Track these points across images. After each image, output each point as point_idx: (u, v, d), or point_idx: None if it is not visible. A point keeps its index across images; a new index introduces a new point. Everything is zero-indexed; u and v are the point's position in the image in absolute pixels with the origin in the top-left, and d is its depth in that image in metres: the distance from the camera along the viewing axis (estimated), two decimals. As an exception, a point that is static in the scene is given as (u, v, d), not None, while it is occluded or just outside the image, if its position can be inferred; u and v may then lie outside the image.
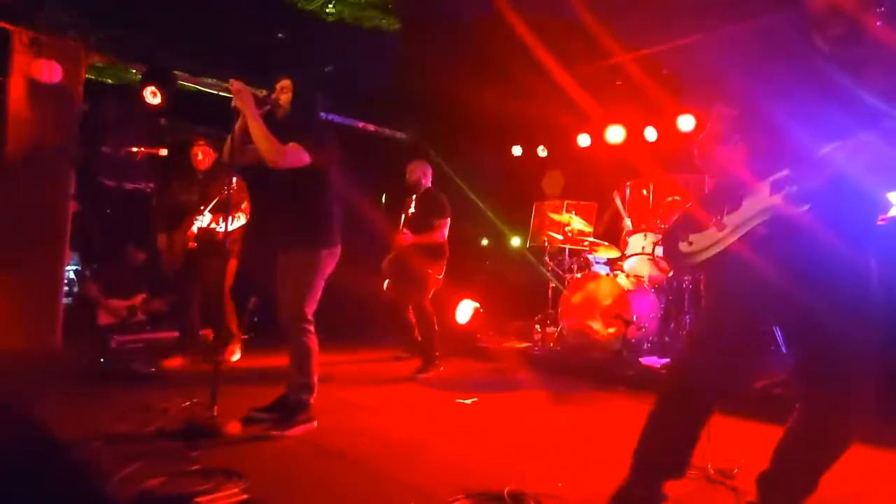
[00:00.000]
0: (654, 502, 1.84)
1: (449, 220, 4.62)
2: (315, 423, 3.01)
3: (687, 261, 1.77)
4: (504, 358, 5.22)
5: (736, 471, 2.45)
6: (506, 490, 2.16)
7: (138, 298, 5.88)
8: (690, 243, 1.75)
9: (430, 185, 4.73)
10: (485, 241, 7.54)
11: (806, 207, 1.56)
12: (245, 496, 2.12)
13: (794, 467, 1.80)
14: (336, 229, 3.19)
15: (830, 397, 1.65)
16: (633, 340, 4.67)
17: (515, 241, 7.24)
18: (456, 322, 5.68)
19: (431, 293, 4.66)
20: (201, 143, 4.47)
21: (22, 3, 4.46)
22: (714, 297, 1.81)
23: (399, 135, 7.67)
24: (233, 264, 4.52)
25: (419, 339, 4.74)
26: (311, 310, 3.07)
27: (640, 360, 4.59)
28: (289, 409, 3.01)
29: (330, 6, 4.93)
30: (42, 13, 4.53)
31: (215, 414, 2.84)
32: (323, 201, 3.11)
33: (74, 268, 6.05)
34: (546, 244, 5.76)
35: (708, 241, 1.71)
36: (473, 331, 5.76)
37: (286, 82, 3.08)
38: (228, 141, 2.98)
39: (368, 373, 4.57)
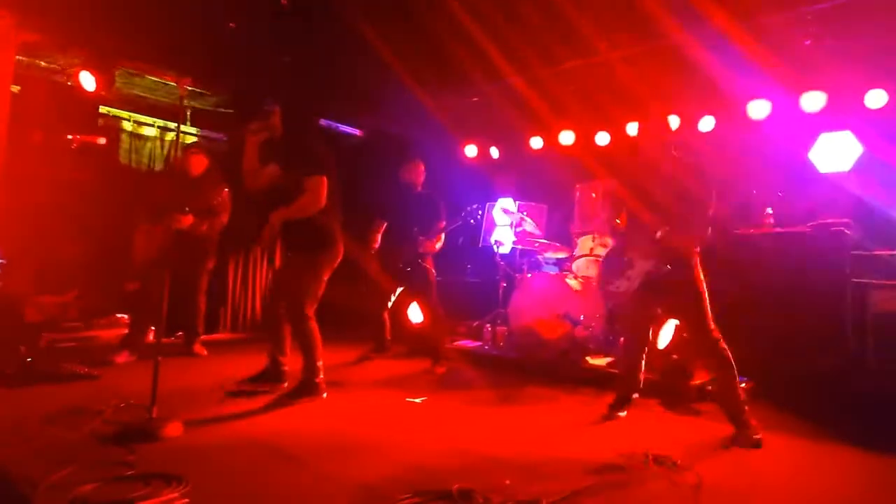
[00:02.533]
0: None
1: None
2: (325, 395, 3.54)
3: (616, 296, 3.44)
4: (455, 357, 5.24)
5: (675, 462, 2.57)
6: (455, 488, 2.17)
7: (71, 295, 5.56)
8: (618, 287, 3.30)
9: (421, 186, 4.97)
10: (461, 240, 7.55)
11: (668, 268, 3.10)
12: (186, 500, 2.04)
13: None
14: (334, 232, 3.54)
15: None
16: (580, 340, 4.78)
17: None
18: (408, 321, 5.65)
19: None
20: (195, 150, 4.78)
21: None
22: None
23: (353, 132, 7.57)
24: (209, 264, 4.84)
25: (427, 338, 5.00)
26: (311, 308, 3.48)
27: (587, 359, 4.71)
28: (295, 388, 3.49)
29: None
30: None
31: (154, 415, 2.73)
32: (321, 209, 3.41)
33: (0, 261, 5.66)
34: (497, 244, 5.82)
35: (626, 286, 3.26)
36: (425, 330, 5.74)
37: (275, 107, 3.47)
38: (245, 174, 3.48)
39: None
